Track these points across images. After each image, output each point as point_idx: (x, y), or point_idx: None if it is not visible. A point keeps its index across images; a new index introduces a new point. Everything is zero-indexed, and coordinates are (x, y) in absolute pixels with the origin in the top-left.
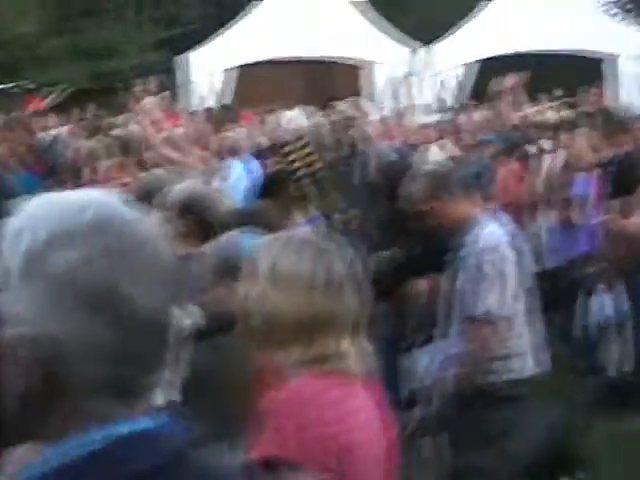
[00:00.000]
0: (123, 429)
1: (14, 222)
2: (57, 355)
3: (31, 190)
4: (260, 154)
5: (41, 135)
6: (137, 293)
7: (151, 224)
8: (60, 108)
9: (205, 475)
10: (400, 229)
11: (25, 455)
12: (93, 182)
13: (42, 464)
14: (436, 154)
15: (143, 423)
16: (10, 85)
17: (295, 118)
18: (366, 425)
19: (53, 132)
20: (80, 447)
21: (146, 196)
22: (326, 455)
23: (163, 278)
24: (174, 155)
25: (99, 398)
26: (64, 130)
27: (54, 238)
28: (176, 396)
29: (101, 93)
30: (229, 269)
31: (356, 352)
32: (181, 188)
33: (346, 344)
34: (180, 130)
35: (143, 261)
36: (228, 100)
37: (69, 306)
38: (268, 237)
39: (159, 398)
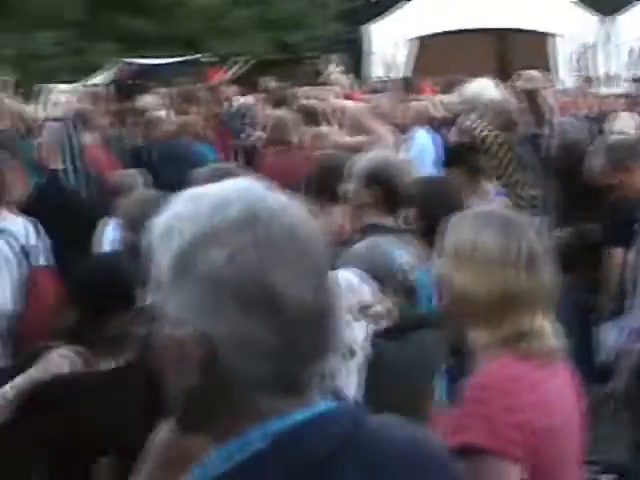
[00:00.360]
0: (290, 422)
1: (162, 221)
2: (215, 353)
3: (211, 160)
4: (444, 125)
5: (225, 105)
6: (290, 284)
7: (300, 211)
8: (243, 79)
9: (378, 454)
10: (584, 203)
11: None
12: (282, 152)
13: (212, 468)
14: (626, 122)
15: (307, 414)
16: (194, 57)
17: (483, 89)
18: (564, 407)
19: (237, 102)
20: (247, 446)
21: (332, 167)
22: (523, 442)
23: (316, 266)
24: (351, 139)
25: (262, 394)
26: (248, 100)
27: (202, 237)
28: (351, 387)
29: (284, 64)
30: (379, 279)
31: (550, 328)
32: (368, 158)
33: (540, 321)
34: (362, 104)
35: (293, 251)
36: (409, 71)
37: (223, 304)
38: (456, 214)
39: (326, 386)
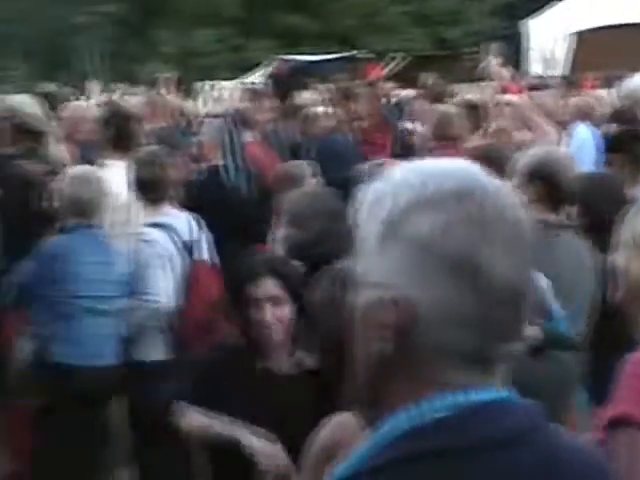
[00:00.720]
0: (476, 397)
1: (375, 188)
2: (414, 319)
3: (363, 156)
4: (605, 120)
5: (383, 101)
6: (497, 262)
7: (511, 194)
8: (400, 76)
9: (551, 455)
10: None
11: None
12: (446, 147)
13: (385, 434)
14: None
15: (496, 393)
16: (351, 53)
17: None
18: None
19: (395, 99)
20: (426, 414)
21: (493, 160)
22: None
23: (522, 249)
24: (519, 135)
25: (451, 365)
26: (407, 96)
27: (416, 204)
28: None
29: (442, 60)
30: None
31: None
32: (531, 154)
33: None
34: (527, 99)
35: (503, 231)
36: (568, 66)
37: (429, 271)
38: (633, 207)
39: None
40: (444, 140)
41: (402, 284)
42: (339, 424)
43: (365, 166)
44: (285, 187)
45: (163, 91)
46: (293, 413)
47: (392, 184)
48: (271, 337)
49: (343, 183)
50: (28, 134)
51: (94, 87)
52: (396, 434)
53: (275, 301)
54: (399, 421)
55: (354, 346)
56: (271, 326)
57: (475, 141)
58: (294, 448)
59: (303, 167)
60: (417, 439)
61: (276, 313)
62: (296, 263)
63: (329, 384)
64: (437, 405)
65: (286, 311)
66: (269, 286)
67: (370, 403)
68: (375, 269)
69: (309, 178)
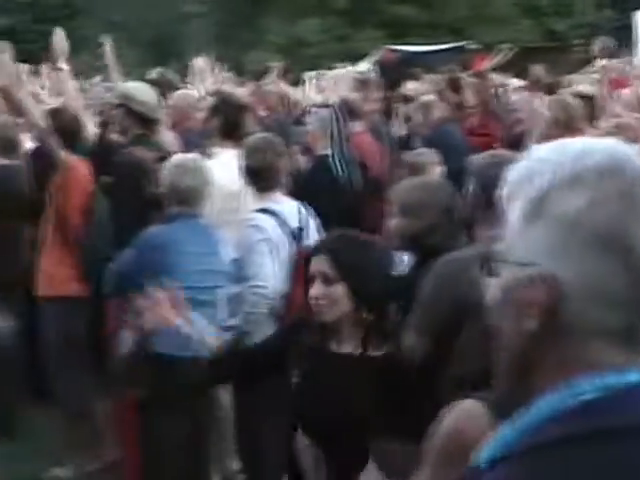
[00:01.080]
0: (625, 379)
1: (522, 166)
2: (561, 297)
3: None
4: None
5: (492, 92)
6: None
7: None
8: (508, 67)
9: None
10: None
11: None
12: (564, 136)
13: (537, 412)
14: None
15: None
16: (459, 44)
17: None
18: None
19: (504, 89)
20: (576, 396)
21: None
22: None
23: None
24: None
25: (601, 344)
26: (516, 86)
27: (564, 180)
28: None
29: (549, 51)
30: None
31: None
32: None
33: None
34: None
35: None
36: None
37: (579, 248)
38: None
39: None
40: (563, 130)
41: (549, 261)
42: (463, 412)
43: (477, 157)
44: (411, 175)
45: (272, 79)
46: (344, 392)
47: (540, 161)
48: (320, 313)
49: (455, 173)
50: (141, 121)
51: (202, 65)
52: (545, 416)
53: (325, 278)
54: (548, 403)
55: (497, 327)
56: (318, 302)
57: (594, 132)
58: (340, 423)
59: (430, 155)
60: (566, 422)
61: (326, 291)
62: (407, 254)
63: (392, 372)
64: (586, 387)
65: (337, 290)
66: (319, 263)
67: (516, 385)
68: (521, 248)
69: (435, 166)
